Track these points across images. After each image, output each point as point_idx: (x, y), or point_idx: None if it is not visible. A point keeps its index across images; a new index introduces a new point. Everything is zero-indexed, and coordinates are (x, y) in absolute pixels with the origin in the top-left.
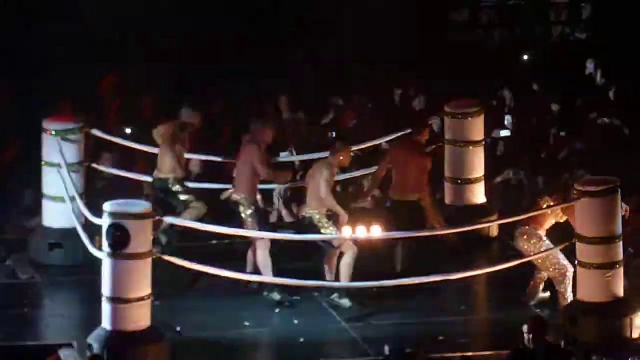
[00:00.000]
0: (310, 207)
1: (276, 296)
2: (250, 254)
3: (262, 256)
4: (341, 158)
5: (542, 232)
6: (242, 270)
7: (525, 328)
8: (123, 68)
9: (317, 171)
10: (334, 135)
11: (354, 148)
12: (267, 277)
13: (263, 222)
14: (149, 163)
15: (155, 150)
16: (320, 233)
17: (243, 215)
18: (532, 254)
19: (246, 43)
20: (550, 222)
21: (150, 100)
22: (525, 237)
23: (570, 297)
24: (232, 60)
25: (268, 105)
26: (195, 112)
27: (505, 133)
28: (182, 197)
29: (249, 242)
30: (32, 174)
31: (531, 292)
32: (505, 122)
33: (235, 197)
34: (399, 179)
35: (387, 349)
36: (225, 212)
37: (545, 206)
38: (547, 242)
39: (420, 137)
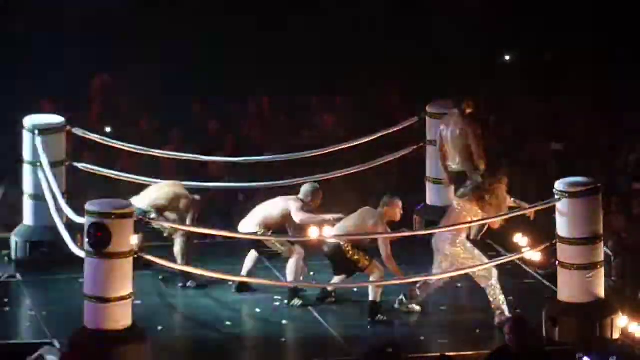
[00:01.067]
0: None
1: (297, 302)
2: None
3: (294, 262)
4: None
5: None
6: (222, 270)
7: (506, 328)
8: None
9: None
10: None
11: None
12: (247, 279)
13: None
14: (130, 162)
15: (136, 149)
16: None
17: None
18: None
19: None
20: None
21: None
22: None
23: (501, 298)
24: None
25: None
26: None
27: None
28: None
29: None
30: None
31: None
32: None
33: None
34: None
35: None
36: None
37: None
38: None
39: None
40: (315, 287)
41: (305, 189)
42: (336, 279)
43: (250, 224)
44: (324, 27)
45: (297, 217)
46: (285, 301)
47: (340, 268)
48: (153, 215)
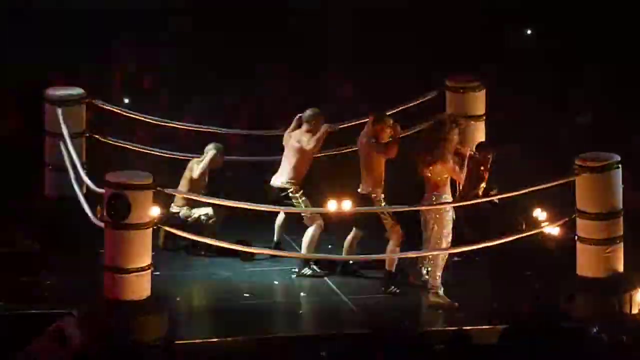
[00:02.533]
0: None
1: (307, 271)
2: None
3: (311, 233)
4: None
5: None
6: (242, 242)
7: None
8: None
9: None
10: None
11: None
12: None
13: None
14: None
15: (155, 121)
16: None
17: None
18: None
19: None
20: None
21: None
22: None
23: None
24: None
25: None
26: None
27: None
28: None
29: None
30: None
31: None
32: None
33: None
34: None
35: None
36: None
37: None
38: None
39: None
40: (328, 258)
41: (307, 115)
42: (351, 235)
43: (280, 180)
44: None
45: (310, 145)
46: (296, 269)
47: (361, 220)
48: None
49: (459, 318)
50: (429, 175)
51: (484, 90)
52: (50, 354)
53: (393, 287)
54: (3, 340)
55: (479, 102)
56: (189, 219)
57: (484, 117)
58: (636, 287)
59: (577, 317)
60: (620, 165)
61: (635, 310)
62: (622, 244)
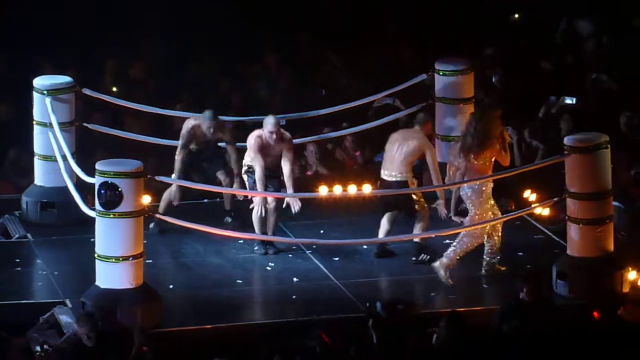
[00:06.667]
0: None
1: (260, 250)
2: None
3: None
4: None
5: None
6: (234, 228)
7: (523, 283)
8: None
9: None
10: (323, 92)
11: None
12: (261, 236)
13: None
14: (137, 122)
15: (145, 109)
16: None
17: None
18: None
19: None
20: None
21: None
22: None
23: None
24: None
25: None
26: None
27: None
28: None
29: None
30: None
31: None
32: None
33: None
34: None
35: (378, 306)
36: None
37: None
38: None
39: None
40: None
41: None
42: (385, 218)
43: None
44: None
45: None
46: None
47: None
48: None
49: (452, 300)
50: (474, 161)
51: (472, 74)
52: None
53: (423, 255)
54: None
55: (467, 85)
56: None
57: (473, 100)
58: (627, 266)
59: (570, 297)
60: (609, 146)
61: (626, 289)
62: (612, 224)
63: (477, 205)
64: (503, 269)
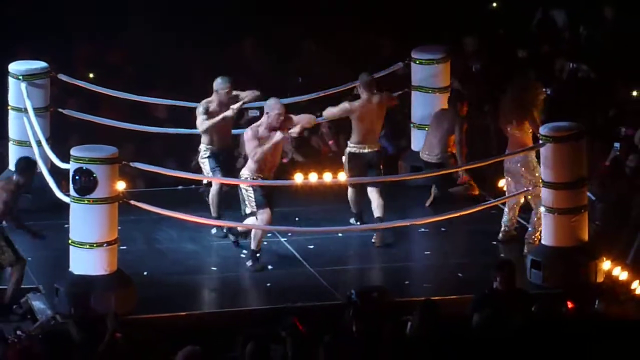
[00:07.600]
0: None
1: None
2: None
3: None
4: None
5: None
6: (207, 215)
7: (495, 271)
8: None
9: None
10: (300, 80)
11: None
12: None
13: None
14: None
15: (121, 95)
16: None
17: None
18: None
19: None
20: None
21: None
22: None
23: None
24: None
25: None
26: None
27: None
28: None
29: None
30: None
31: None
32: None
33: None
34: None
35: (353, 293)
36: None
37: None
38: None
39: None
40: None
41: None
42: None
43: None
44: None
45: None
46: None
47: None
48: None
49: (426, 288)
50: (517, 133)
51: (449, 62)
52: None
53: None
54: None
55: (444, 74)
56: None
57: (449, 89)
58: (601, 256)
59: (544, 286)
60: (584, 135)
61: (600, 279)
62: (586, 213)
63: (532, 175)
64: (515, 233)
